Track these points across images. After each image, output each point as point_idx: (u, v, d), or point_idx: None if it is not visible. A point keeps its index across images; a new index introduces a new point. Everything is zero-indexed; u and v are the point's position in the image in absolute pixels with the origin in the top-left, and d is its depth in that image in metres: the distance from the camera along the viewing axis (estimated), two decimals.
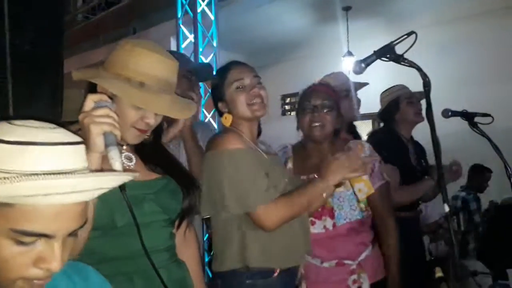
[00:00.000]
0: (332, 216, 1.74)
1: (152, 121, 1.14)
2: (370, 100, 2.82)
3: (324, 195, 1.53)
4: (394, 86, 2.74)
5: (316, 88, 1.84)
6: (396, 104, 2.63)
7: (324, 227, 1.74)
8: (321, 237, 1.72)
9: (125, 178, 0.80)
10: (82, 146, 0.74)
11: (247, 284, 1.45)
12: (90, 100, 0.99)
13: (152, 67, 1.11)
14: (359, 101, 2.59)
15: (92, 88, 1.13)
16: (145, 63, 1.11)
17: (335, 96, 1.86)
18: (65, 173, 0.67)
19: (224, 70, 1.59)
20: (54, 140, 0.68)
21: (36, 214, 0.67)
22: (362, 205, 1.77)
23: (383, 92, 2.77)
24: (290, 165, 1.84)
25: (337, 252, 1.73)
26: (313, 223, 1.73)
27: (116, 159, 0.94)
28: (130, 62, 1.11)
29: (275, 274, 1.48)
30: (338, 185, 1.59)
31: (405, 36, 1.35)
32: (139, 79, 1.11)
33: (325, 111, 1.75)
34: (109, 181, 0.76)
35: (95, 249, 1.04)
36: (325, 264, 1.72)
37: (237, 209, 1.43)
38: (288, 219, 1.46)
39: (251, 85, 1.53)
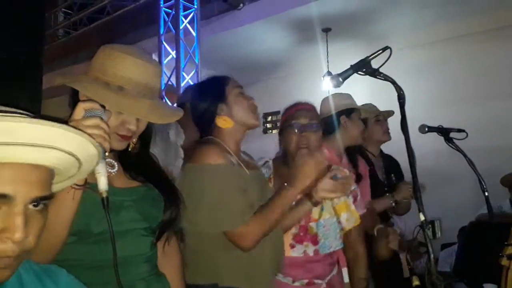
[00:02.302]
0: (315, 243, 1.72)
1: (133, 127, 1.11)
2: None
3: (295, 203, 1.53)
4: (363, 105, 2.80)
5: (302, 107, 1.82)
6: (365, 123, 2.70)
7: (304, 252, 1.72)
8: (300, 261, 1.71)
9: (83, 141, 0.74)
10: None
11: None
12: (81, 108, 0.95)
13: (130, 71, 1.09)
14: None
15: (75, 96, 1.11)
16: (123, 67, 1.09)
17: (318, 115, 1.85)
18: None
19: (224, 77, 1.59)
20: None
21: None
22: (342, 234, 1.79)
23: None
24: (273, 181, 1.79)
25: (312, 273, 1.73)
26: (292, 246, 1.71)
27: (103, 173, 0.91)
28: (109, 66, 1.09)
29: None
30: (316, 203, 1.58)
31: (380, 51, 1.40)
32: (118, 83, 1.08)
33: (312, 131, 1.74)
34: (65, 138, 0.72)
35: (71, 255, 1.01)
36: (296, 283, 1.71)
37: (212, 229, 1.41)
38: (264, 235, 1.44)
39: (249, 96, 1.57)
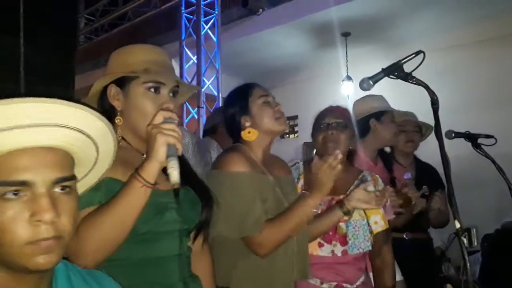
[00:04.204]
0: (343, 243, 1.73)
1: (171, 106, 1.18)
2: None
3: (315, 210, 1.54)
4: (404, 112, 2.72)
5: (331, 109, 1.87)
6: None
7: (332, 252, 1.72)
8: (328, 261, 1.71)
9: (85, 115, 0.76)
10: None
11: None
12: (160, 116, 1.05)
13: (150, 55, 1.22)
14: None
15: (103, 97, 1.20)
16: (142, 53, 1.21)
17: (350, 117, 1.87)
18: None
19: (248, 87, 1.64)
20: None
21: (9, 162, 0.69)
22: (372, 237, 1.78)
23: None
24: (302, 182, 1.83)
25: (342, 276, 1.72)
26: (320, 245, 1.72)
27: (175, 168, 0.97)
28: (129, 58, 1.20)
29: None
30: (347, 212, 1.58)
31: (413, 55, 1.38)
32: (143, 67, 1.18)
33: (339, 129, 1.77)
34: (66, 113, 0.73)
35: (117, 255, 1.03)
36: (324, 285, 1.71)
37: (229, 233, 1.44)
38: (281, 243, 1.47)
39: (275, 103, 1.61)
